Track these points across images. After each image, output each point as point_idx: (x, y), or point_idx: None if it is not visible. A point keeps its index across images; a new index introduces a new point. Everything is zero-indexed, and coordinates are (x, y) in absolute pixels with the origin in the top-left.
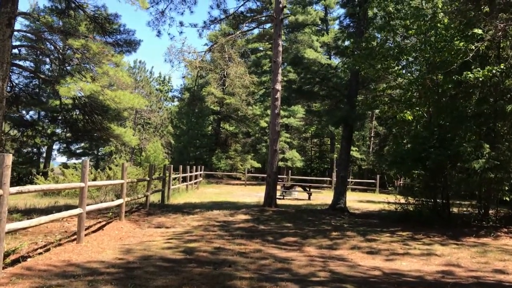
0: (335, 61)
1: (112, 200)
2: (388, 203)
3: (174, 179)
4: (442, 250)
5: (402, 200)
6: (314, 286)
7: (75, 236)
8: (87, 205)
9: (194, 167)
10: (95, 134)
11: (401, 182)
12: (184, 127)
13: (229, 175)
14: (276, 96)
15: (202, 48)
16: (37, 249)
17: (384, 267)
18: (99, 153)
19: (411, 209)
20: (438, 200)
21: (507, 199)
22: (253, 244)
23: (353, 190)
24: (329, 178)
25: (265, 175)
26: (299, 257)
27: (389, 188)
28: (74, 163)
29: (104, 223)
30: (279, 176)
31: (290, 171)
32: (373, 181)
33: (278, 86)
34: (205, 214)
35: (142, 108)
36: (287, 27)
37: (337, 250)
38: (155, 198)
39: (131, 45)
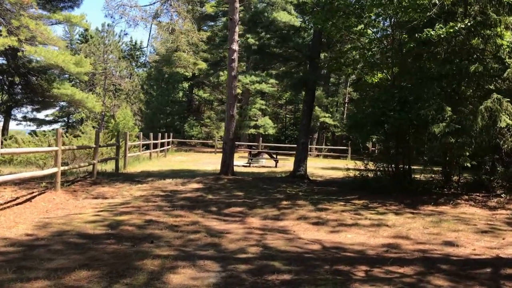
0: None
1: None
2: (347, 169)
3: (136, 146)
4: (394, 220)
5: (369, 167)
6: (236, 264)
7: None
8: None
9: (160, 134)
10: (36, 98)
11: (376, 148)
12: (154, 93)
13: (203, 143)
14: (232, 57)
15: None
16: None
17: (326, 240)
18: (69, 121)
19: (371, 175)
20: (400, 166)
21: (468, 165)
22: (193, 215)
23: (325, 157)
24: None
25: (238, 143)
26: (237, 230)
27: (364, 155)
28: (44, 131)
29: (36, 194)
30: (251, 143)
31: (261, 138)
32: (346, 147)
33: (235, 46)
34: (155, 183)
35: (70, 67)
36: None
37: (282, 220)
38: (110, 166)
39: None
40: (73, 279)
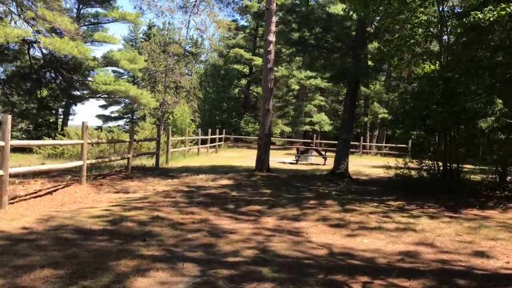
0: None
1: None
2: (388, 168)
3: (183, 142)
4: (426, 225)
5: (411, 165)
6: (219, 269)
7: None
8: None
9: (210, 130)
10: (74, 92)
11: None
12: (210, 90)
13: None
14: (269, 49)
15: None
16: None
17: (337, 245)
18: (133, 117)
19: (414, 174)
20: (448, 164)
21: None
22: (205, 213)
23: (384, 155)
24: (356, 143)
25: (293, 140)
26: (244, 230)
27: (429, 153)
28: (109, 127)
29: (60, 187)
30: (305, 140)
31: (315, 135)
32: (406, 145)
33: (272, 37)
34: (186, 178)
35: (88, 57)
36: None
37: (300, 221)
38: (153, 161)
39: None
40: (30, 279)
